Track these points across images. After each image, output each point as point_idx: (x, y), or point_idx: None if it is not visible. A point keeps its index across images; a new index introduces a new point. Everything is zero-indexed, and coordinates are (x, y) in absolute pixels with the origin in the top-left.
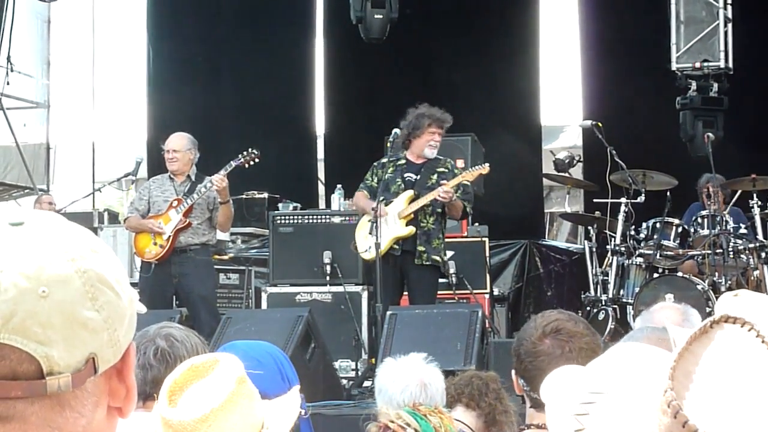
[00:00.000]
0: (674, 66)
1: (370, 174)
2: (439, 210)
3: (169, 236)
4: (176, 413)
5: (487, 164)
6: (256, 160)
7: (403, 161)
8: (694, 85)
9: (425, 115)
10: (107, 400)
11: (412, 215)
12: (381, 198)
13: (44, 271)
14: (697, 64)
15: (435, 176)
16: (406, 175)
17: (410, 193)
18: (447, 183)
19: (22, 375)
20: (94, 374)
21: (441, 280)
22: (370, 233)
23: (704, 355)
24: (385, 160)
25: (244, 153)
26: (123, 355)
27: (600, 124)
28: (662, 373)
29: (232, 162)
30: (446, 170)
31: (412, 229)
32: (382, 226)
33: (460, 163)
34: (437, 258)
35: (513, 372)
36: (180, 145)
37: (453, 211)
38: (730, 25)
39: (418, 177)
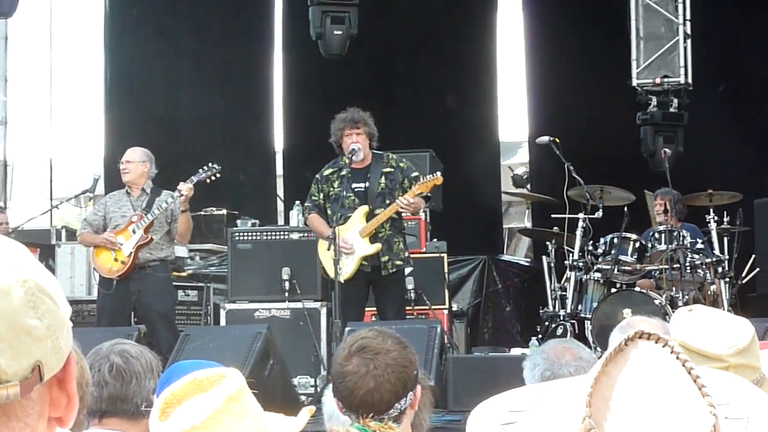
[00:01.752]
0: (635, 82)
1: (316, 190)
2: (395, 215)
3: (131, 252)
4: (162, 427)
5: (439, 173)
6: (218, 175)
7: (346, 170)
8: (654, 100)
9: (337, 121)
10: (48, 410)
11: (373, 230)
12: (337, 220)
13: None
14: (657, 80)
15: (383, 180)
16: (354, 186)
17: (365, 208)
18: (404, 197)
19: None
20: (40, 382)
21: None
22: (336, 256)
23: (620, 377)
24: (327, 172)
25: (205, 168)
26: (64, 364)
27: (557, 140)
28: (579, 399)
29: (193, 177)
30: (392, 169)
31: (378, 246)
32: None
33: None
34: (400, 262)
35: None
36: (133, 156)
37: (420, 209)
38: (689, 41)
39: (367, 185)
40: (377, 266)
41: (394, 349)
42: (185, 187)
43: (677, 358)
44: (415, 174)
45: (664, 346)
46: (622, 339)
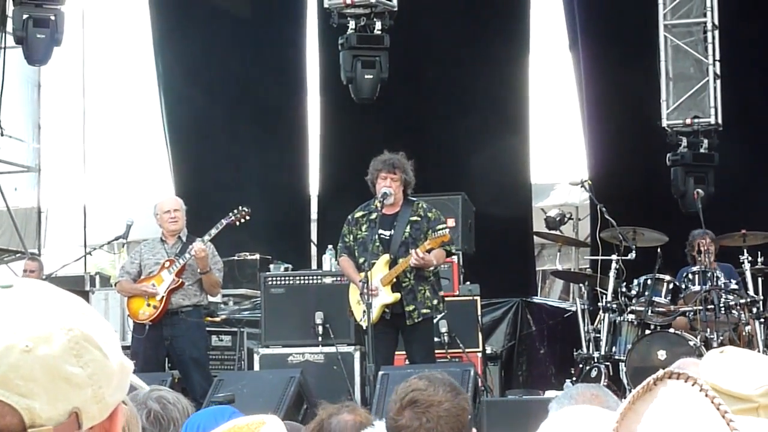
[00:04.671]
0: (665, 123)
1: (347, 231)
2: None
3: (163, 297)
4: None
5: (447, 230)
6: (247, 217)
7: (375, 215)
8: (684, 141)
9: (377, 161)
10: None
11: (395, 278)
12: (364, 263)
13: (29, 328)
14: (688, 121)
15: (408, 229)
16: (380, 232)
17: (387, 257)
18: (416, 252)
19: (5, 428)
20: (78, 429)
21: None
22: (361, 299)
23: (647, 413)
24: (358, 214)
25: (235, 211)
26: (111, 415)
27: (590, 182)
28: None
29: (222, 220)
30: (419, 218)
31: (397, 296)
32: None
33: (451, 222)
34: (426, 310)
35: None
36: (179, 204)
37: (434, 264)
38: (719, 81)
39: (392, 232)
40: (401, 314)
41: (446, 399)
42: (197, 248)
43: (706, 395)
44: (440, 227)
45: (693, 385)
46: (650, 378)
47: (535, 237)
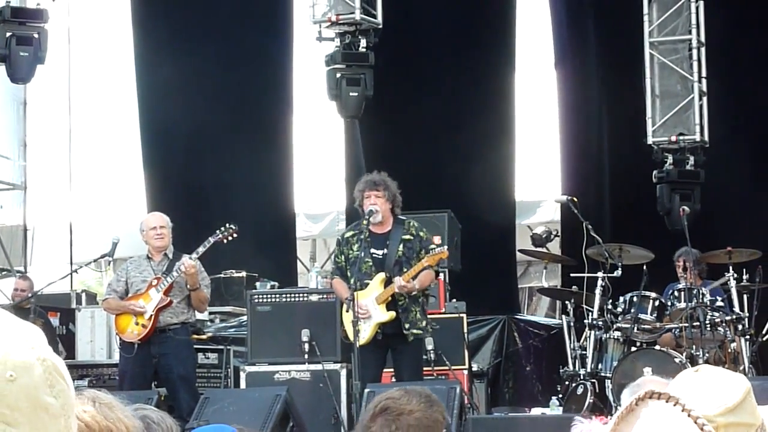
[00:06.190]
0: (650, 140)
1: (338, 252)
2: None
3: (151, 315)
4: None
5: (446, 247)
6: (234, 235)
7: (366, 233)
8: (670, 158)
9: (359, 183)
10: None
11: (390, 297)
12: (355, 283)
13: (9, 356)
14: (673, 138)
15: (401, 248)
16: (372, 251)
17: (382, 275)
18: (403, 278)
19: None
20: None
21: None
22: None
23: None
24: (348, 234)
25: (222, 229)
26: None
27: (575, 199)
28: None
29: (210, 238)
30: (411, 237)
31: (392, 314)
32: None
33: (437, 239)
34: (418, 331)
35: None
36: (165, 221)
37: (417, 289)
38: (705, 99)
39: (386, 251)
40: (397, 334)
41: (418, 408)
42: (186, 264)
43: (689, 415)
44: (432, 247)
45: (675, 405)
46: (632, 399)
47: (521, 254)
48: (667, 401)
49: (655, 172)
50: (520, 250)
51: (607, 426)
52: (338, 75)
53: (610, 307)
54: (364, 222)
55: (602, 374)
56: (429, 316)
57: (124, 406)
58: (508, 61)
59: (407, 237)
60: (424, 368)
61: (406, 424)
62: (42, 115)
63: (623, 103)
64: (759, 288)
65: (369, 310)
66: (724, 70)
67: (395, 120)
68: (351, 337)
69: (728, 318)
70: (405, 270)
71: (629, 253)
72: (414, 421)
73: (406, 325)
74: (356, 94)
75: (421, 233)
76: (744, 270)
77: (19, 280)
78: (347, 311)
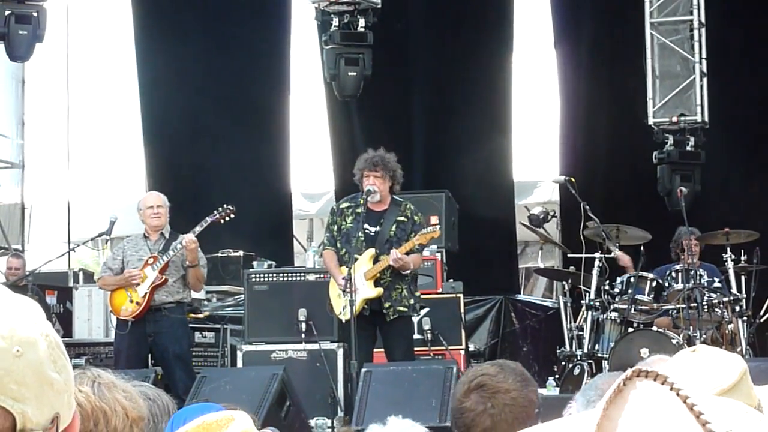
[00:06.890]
0: (651, 120)
1: (331, 222)
2: None
3: (146, 293)
4: None
5: (438, 227)
6: (232, 215)
7: (362, 209)
8: (671, 139)
9: (360, 160)
10: None
11: (378, 274)
12: (345, 256)
13: (16, 332)
14: (674, 119)
15: (394, 228)
16: (366, 227)
17: (372, 251)
18: (395, 251)
19: None
20: None
21: (416, 337)
22: (343, 294)
23: (621, 421)
24: (344, 205)
25: (219, 209)
26: (72, 419)
27: (573, 180)
28: None
29: (207, 218)
30: (405, 219)
31: (380, 291)
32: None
33: (434, 220)
34: (403, 308)
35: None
36: (162, 200)
37: (410, 267)
38: (705, 80)
39: (378, 229)
40: (379, 312)
41: (514, 387)
42: (187, 239)
43: (678, 394)
44: (423, 232)
45: (663, 383)
46: (619, 380)
47: (519, 234)
48: (654, 380)
49: (655, 152)
50: (521, 223)
51: (596, 411)
52: (336, 54)
53: (607, 287)
54: (362, 199)
55: (599, 355)
56: (426, 296)
57: (130, 386)
58: (506, 41)
59: (401, 218)
60: (422, 348)
61: (502, 403)
62: (40, 94)
63: (622, 84)
64: (756, 269)
65: (357, 286)
66: (724, 51)
67: (392, 101)
68: (336, 309)
69: (726, 299)
70: (395, 249)
71: (626, 233)
72: (510, 400)
73: (387, 304)
74: (355, 73)
75: (416, 217)
76: (742, 251)
77: (12, 259)
78: (341, 288)
